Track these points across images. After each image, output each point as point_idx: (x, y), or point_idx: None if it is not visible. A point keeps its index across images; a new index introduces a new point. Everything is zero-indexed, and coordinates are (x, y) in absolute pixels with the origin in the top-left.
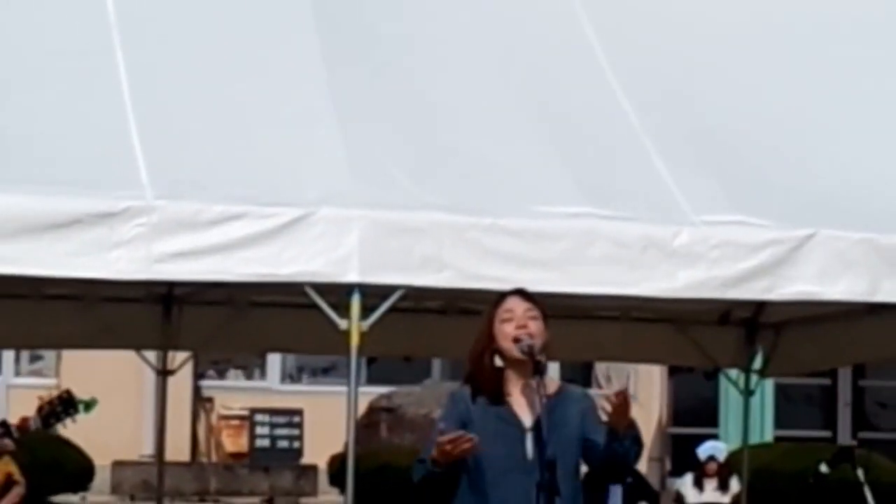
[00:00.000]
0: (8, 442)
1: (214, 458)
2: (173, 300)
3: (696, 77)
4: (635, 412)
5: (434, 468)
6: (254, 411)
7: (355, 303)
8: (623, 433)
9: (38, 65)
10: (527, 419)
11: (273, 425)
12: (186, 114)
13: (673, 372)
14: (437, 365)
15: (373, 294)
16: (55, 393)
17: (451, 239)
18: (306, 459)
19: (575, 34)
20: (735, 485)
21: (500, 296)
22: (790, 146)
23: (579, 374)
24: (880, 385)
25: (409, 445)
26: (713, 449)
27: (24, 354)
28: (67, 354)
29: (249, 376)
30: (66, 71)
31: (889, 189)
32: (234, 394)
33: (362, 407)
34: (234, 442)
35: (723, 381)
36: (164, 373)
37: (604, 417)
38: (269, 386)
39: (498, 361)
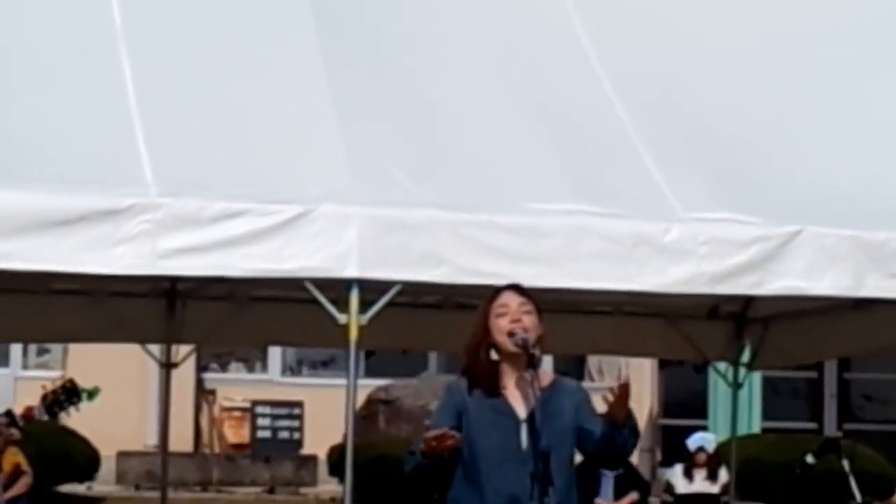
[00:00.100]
0: (14, 431)
1: (217, 448)
2: (177, 295)
3: (688, 77)
4: None
5: (423, 460)
6: (255, 403)
7: (354, 298)
8: (622, 423)
9: (45, 66)
10: (521, 411)
11: (274, 417)
12: (190, 114)
13: (663, 365)
14: (433, 358)
15: (371, 289)
16: (59, 383)
17: (447, 235)
18: (306, 450)
19: (572, 35)
20: (724, 475)
21: (495, 291)
22: (778, 146)
23: (572, 367)
24: (865, 378)
25: (407, 436)
26: (702, 440)
27: (32, 348)
28: (74, 348)
29: (251, 369)
30: (73, 72)
31: (874, 187)
32: (235, 386)
33: (361, 399)
34: (235, 433)
35: (712, 374)
36: (167, 366)
37: (605, 407)
38: (270, 378)
39: (493, 355)
